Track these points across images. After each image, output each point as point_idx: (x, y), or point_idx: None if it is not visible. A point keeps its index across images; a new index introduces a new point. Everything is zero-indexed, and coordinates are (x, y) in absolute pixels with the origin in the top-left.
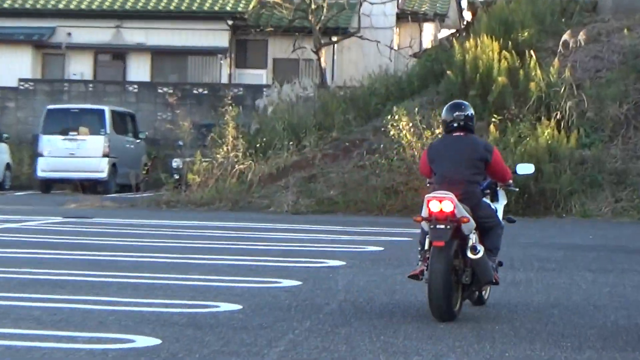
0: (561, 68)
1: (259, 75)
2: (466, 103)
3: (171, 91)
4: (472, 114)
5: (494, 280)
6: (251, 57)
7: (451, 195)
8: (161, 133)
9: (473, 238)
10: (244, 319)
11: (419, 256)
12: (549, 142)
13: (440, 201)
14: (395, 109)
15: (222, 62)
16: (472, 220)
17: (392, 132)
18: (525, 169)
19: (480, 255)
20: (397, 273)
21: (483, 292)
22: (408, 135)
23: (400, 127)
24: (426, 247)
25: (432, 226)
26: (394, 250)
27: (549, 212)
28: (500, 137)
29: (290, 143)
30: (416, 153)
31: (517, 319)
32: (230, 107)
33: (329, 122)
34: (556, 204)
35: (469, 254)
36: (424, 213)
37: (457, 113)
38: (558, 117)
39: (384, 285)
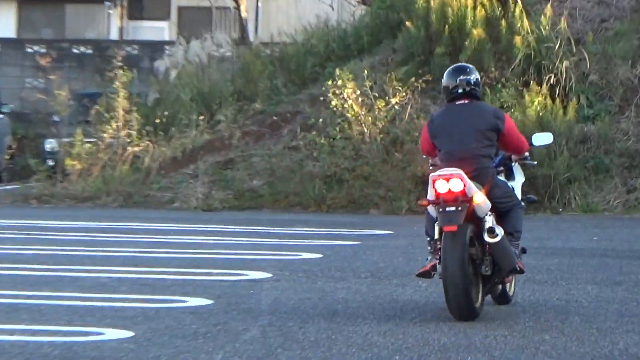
0: (555, 17)
1: (159, 29)
2: (471, 66)
3: (43, 50)
4: (478, 78)
5: (517, 268)
6: (149, 5)
7: (459, 171)
8: (31, 105)
9: (489, 220)
10: (137, 350)
11: (429, 248)
12: (540, 114)
13: (448, 180)
14: (338, 72)
15: (110, 12)
16: (486, 200)
17: (334, 103)
18: (543, 138)
19: (499, 238)
20: (339, 288)
21: (507, 287)
22: (355, 107)
23: (345, 95)
24: (436, 235)
25: (440, 210)
26: (335, 259)
27: (541, 206)
28: (498, 109)
29: (200, 118)
30: (366, 130)
31: (496, 347)
32: (121, 71)
33: (251, 90)
34: (550, 196)
35: (486, 238)
36: (430, 195)
37: (461, 77)
38: (552, 81)
39: (321, 304)
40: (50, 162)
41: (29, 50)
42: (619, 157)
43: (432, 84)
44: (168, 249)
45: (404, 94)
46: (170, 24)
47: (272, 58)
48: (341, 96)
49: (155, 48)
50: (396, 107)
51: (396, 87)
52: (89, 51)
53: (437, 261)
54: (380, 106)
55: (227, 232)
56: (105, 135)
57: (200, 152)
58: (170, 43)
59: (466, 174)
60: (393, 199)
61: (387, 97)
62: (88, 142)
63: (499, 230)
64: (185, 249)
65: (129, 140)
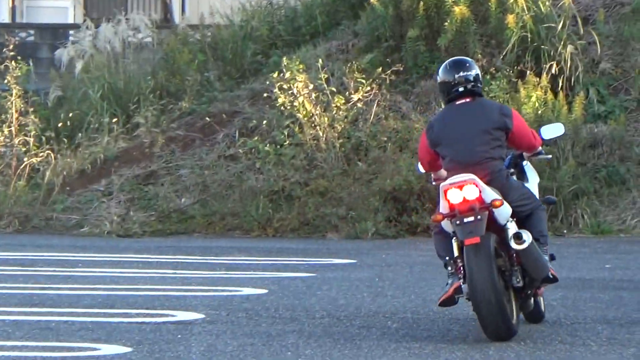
0: None
1: (61, 10)
2: (470, 60)
3: None
4: (478, 73)
5: (551, 276)
6: None
7: (472, 176)
8: None
9: (512, 226)
10: None
11: (449, 270)
12: (539, 111)
13: (461, 187)
14: (285, 61)
15: None
16: (506, 204)
17: (281, 100)
18: (552, 130)
19: (527, 243)
20: (288, 331)
21: (540, 301)
22: (307, 105)
23: (295, 91)
24: (456, 253)
25: (458, 222)
26: (284, 295)
27: None
28: (504, 105)
29: (114, 121)
30: (321, 134)
31: None
32: (14, 63)
33: (177, 85)
34: (552, 214)
35: (514, 245)
36: (443, 208)
37: (460, 73)
38: (553, 71)
39: (266, 351)
40: None
41: None
42: (638, 165)
43: (404, 76)
44: (75, 285)
45: (369, 88)
46: (74, 3)
47: (203, 45)
48: (290, 92)
49: (56, 33)
50: (359, 104)
51: (358, 79)
52: None
53: (461, 281)
54: (339, 104)
55: (148, 263)
56: None
57: (115, 163)
58: (75, 27)
59: (481, 178)
60: (356, 220)
61: (347, 93)
62: None
63: (527, 236)
64: (96, 284)
65: (24, 149)
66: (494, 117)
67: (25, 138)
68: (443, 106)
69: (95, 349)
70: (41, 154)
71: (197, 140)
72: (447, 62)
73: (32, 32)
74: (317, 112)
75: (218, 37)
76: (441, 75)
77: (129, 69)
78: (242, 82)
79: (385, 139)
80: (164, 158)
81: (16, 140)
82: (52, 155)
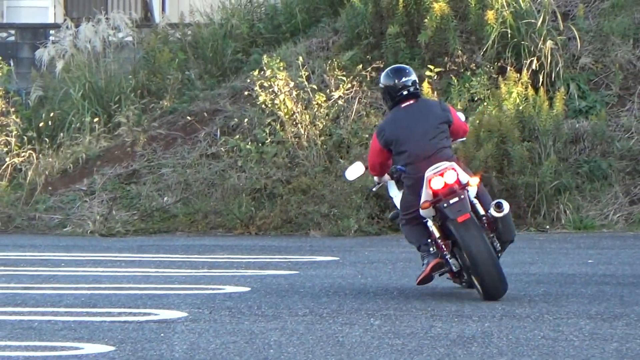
0: None
1: (42, 10)
2: (407, 66)
3: None
4: (416, 79)
5: (513, 239)
6: None
7: (449, 163)
8: None
9: (477, 201)
10: None
11: (426, 252)
12: (520, 107)
13: (442, 174)
14: (265, 59)
15: None
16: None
17: (262, 99)
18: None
19: (506, 211)
20: (271, 329)
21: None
22: (288, 103)
23: (276, 89)
24: (437, 234)
25: (445, 205)
26: (266, 292)
27: (523, 222)
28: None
29: (95, 120)
30: (303, 131)
31: None
32: None
33: (158, 84)
34: (534, 210)
35: (494, 213)
36: (427, 196)
37: (403, 79)
38: (534, 66)
39: (249, 349)
40: None
41: None
42: (620, 160)
43: None
44: (58, 284)
45: (349, 85)
46: (54, 2)
47: (184, 43)
48: (271, 90)
49: (36, 33)
50: (340, 102)
51: (339, 77)
52: None
53: (440, 259)
54: (320, 101)
55: (131, 262)
56: None
57: (97, 163)
58: (56, 27)
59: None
60: (338, 218)
61: (328, 90)
62: None
63: (505, 204)
64: (79, 283)
65: (6, 149)
66: (438, 113)
67: (7, 138)
68: (387, 110)
69: (78, 348)
70: (23, 154)
71: (178, 139)
72: (388, 70)
73: (12, 32)
74: (299, 109)
75: (198, 35)
76: (385, 82)
77: (110, 68)
78: (223, 80)
79: (367, 136)
80: (146, 157)
81: None
82: (34, 155)
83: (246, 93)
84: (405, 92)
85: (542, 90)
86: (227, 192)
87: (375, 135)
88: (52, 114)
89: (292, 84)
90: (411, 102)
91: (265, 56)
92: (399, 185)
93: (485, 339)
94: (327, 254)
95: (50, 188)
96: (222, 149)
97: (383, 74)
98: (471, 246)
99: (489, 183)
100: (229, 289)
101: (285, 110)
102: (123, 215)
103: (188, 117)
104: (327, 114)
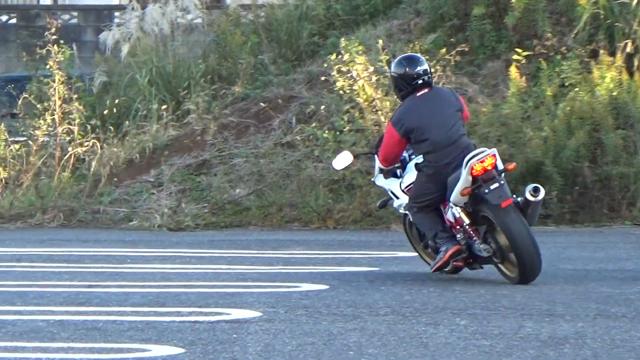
0: None
1: None
2: (418, 55)
3: None
4: (428, 67)
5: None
6: None
7: (490, 150)
8: None
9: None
10: None
11: (445, 238)
12: (614, 93)
13: (483, 161)
14: (343, 43)
15: None
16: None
17: (339, 84)
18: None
19: (541, 196)
20: (350, 329)
21: None
22: (368, 89)
23: (354, 74)
24: (466, 221)
25: (486, 191)
26: (345, 290)
27: (617, 215)
28: (529, 87)
29: (163, 107)
30: (383, 119)
31: None
32: (56, 47)
33: (230, 69)
34: (629, 202)
35: (529, 197)
36: (467, 183)
37: (418, 68)
38: (629, 49)
39: (327, 351)
40: None
41: None
42: None
43: (470, 57)
44: (124, 282)
45: (432, 70)
46: None
47: (256, 25)
48: (349, 75)
49: (100, 15)
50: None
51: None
52: (13, 21)
53: (459, 246)
54: None
55: (201, 258)
56: (37, 132)
57: (165, 152)
58: (121, 8)
59: (459, 153)
60: None
61: None
62: (15, 142)
63: (542, 190)
64: (146, 281)
65: (69, 138)
66: (453, 101)
67: (69, 127)
68: (400, 99)
69: (145, 350)
70: (86, 144)
71: (251, 127)
72: (400, 58)
73: (75, 14)
74: (378, 96)
75: (272, 17)
76: (399, 70)
77: (178, 52)
78: (298, 65)
79: None
80: (217, 146)
81: (60, 129)
82: (97, 144)
83: (323, 78)
84: (420, 81)
85: (637, 75)
86: (303, 183)
87: (392, 126)
88: (117, 101)
89: (371, 68)
90: (426, 90)
91: (343, 39)
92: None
93: (578, 340)
94: (409, 249)
95: (115, 179)
96: (297, 137)
97: (395, 62)
98: (512, 230)
99: (581, 174)
100: (306, 286)
101: (365, 97)
102: (192, 208)
103: (261, 104)
104: None
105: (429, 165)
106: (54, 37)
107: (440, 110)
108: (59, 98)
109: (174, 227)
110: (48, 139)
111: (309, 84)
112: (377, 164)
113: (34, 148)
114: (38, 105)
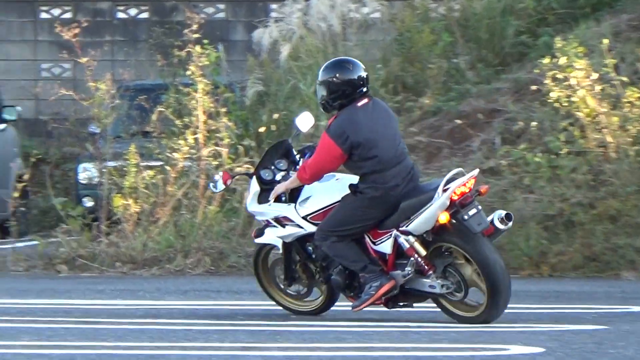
0: None
1: None
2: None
3: (68, 15)
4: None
5: None
6: None
7: (473, 172)
8: (51, 108)
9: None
10: None
11: (375, 272)
12: None
13: (465, 184)
14: (558, 43)
15: None
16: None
17: (554, 95)
18: (305, 121)
19: (510, 225)
20: None
21: None
22: (590, 100)
23: (574, 81)
24: (423, 252)
25: (465, 217)
26: (565, 354)
27: None
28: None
29: None
30: (609, 138)
31: None
32: (199, 48)
33: (417, 76)
34: None
35: (499, 225)
36: (443, 207)
37: (362, 73)
38: None
39: None
40: (88, 202)
41: (45, 15)
42: None
43: None
44: (286, 344)
45: None
46: None
47: (450, 22)
48: (566, 83)
49: (253, 8)
50: None
51: None
52: (144, 15)
53: (394, 281)
54: (632, 99)
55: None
56: (176, 155)
57: None
58: (280, 0)
59: (407, 173)
60: None
61: None
62: (149, 167)
63: (512, 216)
64: (314, 342)
65: (216, 163)
66: (393, 114)
67: (217, 148)
68: (333, 109)
69: None
70: (238, 169)
71: (444, 148)
72: (341, 62)
73: (221, 7)
74: (604, 110)
75: (469, 11)
76: (344, 75)
77: (352, 54)
78: (502, 70)
79: None
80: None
81: (205, 152)
82: (252, 170)
83: (534, 88)
84: (364, 89)
85: None
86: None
87: (332, 139)
88: (275, 116)
89: (594, 75)
90: (366, 101)
91: (558, 38)
92: (262, 196)
93: None
94: None
95: None
96: (502, 162)
97: (334, 66)
98: (489, 259)
99: None
100: (516, 349)
101: (587, 111)
102: None
103: (457, 120)
104: None
105: (374, 186)
106: (196, 35)
107: (386, 124)
108: (203, 112)
109: None
110: (190, 163)
111: (517, 95)
112: (253, 186)
113: (172, 175)
114: (177, 122)
